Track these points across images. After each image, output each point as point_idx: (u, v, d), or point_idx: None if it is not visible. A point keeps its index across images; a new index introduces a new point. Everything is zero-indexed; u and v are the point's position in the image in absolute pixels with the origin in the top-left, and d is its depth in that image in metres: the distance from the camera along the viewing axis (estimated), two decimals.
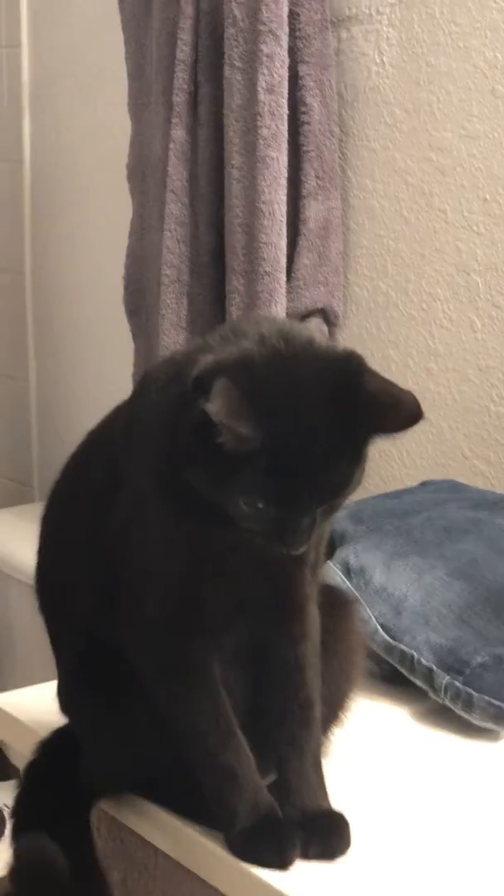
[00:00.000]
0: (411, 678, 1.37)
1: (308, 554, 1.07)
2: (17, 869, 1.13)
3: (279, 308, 1.93)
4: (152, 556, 1.05)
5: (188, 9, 2.02)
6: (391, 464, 1.96)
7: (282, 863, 1.03)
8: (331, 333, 2.00)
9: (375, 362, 1.91)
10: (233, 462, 0.93)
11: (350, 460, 0.96)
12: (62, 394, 2.79)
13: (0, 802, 2.37)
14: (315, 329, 1.88)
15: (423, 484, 1.76)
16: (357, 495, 1.95)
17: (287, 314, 1.95)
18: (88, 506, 1.11)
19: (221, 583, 1.05)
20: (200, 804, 1.07)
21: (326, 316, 1.99)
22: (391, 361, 1.95)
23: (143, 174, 2.21)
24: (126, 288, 2.27)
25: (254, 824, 1.04)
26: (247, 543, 0.98)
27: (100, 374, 2.63)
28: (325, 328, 1.99)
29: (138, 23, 2.18)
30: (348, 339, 2.01)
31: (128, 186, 2.26)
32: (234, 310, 1.97)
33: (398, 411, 0.95)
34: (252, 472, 0.93)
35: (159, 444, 1.01)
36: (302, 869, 1.03)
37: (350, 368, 0.97)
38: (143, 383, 1.08)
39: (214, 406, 0.90)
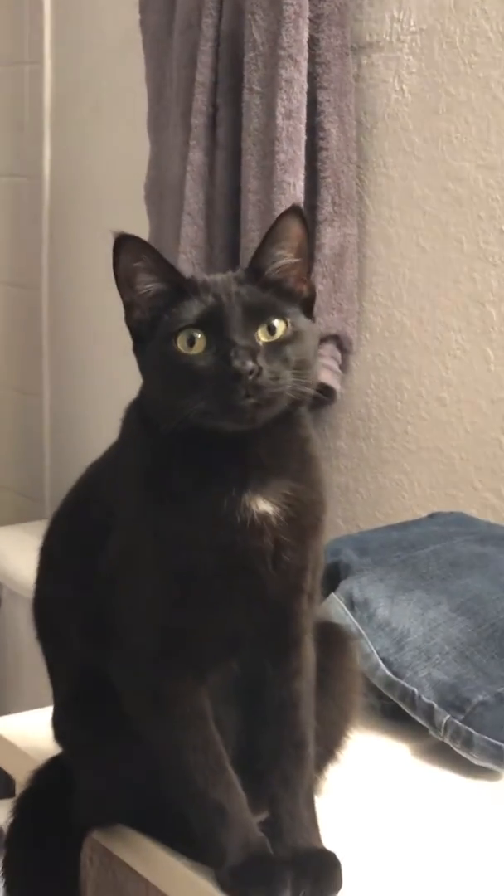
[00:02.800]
0: (412, 715, 1.35)
1: (304, 580, 1.06)
2: None
3: None
4: (142, 583, 1.04)
5: (209, 32, 2.01)
6: (401, 493, 1.95)
7: None
8: (344, 360, 1.99)
9: (388, 390, 1.94)
10: (166, 326, 1.05)
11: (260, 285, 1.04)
12: (75, 410, 2.78)
13: (2, 820, 2.35)
14: None
15: (432, 515, 1.75)
16: (365, 524, 1.96)
17: None
18: (84, 542, 1.11)
19: (212, 613, 1.04)
20: (192, 839, 1.06)
21: (340, 342, 1.98)
22: (404, 390, 1.94)
23: (161, 195, 2.21)
24: None
25: (244, 862, 1.03)
26: (240, 555, 1.00)
27: (114, 391, 2.60)
28: (338, 354, 1.98)
29: (159, 44, 2.18)
30: (361, 366, 2.00)
31: (145, 207, 2.25)
32: None
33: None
34: (181, 313, 1.03)
35: (140, 452, 1.05)
36: None
37: None
38: (127, 414, 1.11)
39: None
